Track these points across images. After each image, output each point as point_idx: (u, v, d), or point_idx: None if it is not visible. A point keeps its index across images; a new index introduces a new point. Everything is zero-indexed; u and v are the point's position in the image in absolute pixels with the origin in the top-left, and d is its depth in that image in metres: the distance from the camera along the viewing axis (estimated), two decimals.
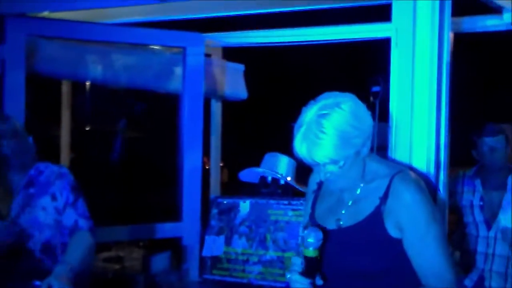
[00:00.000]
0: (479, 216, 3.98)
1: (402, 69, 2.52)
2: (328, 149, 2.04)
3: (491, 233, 3.93)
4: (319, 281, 2.15)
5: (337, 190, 2.25)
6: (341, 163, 2.08)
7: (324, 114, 2.05)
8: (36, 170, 2.76)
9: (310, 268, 2.13)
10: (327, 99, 2.10)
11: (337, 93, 2.13)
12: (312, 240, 2.11)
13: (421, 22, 2.46)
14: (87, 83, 5.25)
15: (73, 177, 2.79)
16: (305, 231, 2.14)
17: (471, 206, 4.01)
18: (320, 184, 2.36)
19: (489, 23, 3.78)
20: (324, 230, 2.19)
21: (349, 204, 2.22)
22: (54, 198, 2.71)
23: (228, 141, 5.24)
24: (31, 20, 3.55)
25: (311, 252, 2.12)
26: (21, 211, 2.69)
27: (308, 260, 2.13)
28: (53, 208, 2.70)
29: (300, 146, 2.07)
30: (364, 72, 3.77)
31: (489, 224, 3.95)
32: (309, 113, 2.08)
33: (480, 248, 3.96)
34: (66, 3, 3.38)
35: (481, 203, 3.97)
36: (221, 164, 5.29)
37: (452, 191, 4.05)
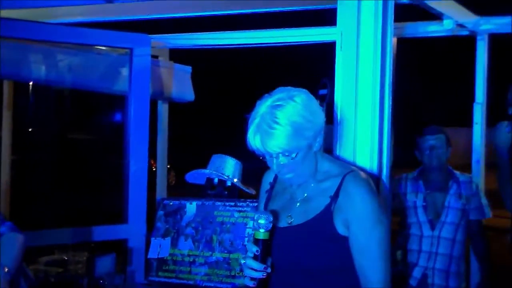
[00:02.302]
0: (422, 217, 4.07)
1: (347, 71, 2.58)
2: (281, 139, 2.10)
3: (435, 233, 4.03)
4: (269, 265, 2.20)
5: (289, 186, 2.30)
6: (293, 154, 2.14)
7: (278, 105, 2.12)
8: None
9: (262, 251, 2.17)
10: (281, 93, 2.17)
11: (290, 87, 2.20)
12: (263, 222, 2.16)
13: (365, 26, 2.52)
14: (30, 84, 5.16)
15: None
16: (256, 215, 2.19)
17: (415, 207, 4.10)
18: (272, 184, 2.42)
19: (430, 29, 3.89)
20: (275, 228, 2.25)
21: (300, 202, 2.27)
22: None
23: (175, 143, 5.22)
24: None
25: (262, 234, 2.17)
26: None
27: (259, 243, 2.17)
28: None
29: (254, 137, 2.13)
30: (312, 74, 3.83)
31: (432, 224, 4.05)
32: (264, 105, 2.15)
33: (424, 247, 4.06)
34: (9, 1, 3.30)
35: (424, 203, 4.07)
36: (168, 166, 5.28)
37: (396, 193, 4.14)
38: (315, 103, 2.21)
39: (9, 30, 3.59)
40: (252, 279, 2.19)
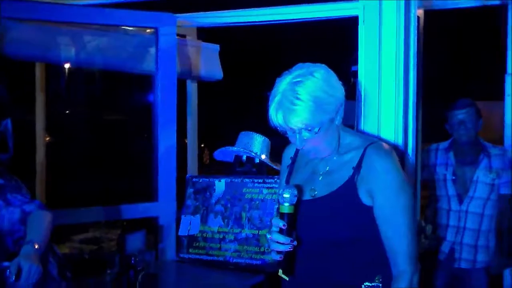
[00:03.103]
0: (451, 190, 4.03)
1: (369, 46, 2.56)
2: (303, 115, 2.12)
3: (463, 207, 3.99)
4: (295, 239, 2.22)
5: (311, 159, 2.32)
6: (316, 129, 2.16)
7: (298, 81, 2.14)
8: None
9: (288, 225, 2.19)
10: (300, 69, 2.18)
11: (309, 63, 2.21)
12: (287, 195, 2.19)
13: None
14: (63, 66, 5.22)
15: None
16: (280, 189, 2.22)
17: (444, 179, 4.06)
18: (294, 159, 2.44)
19: None
20: (299, 201, 2.27)
21: (323, 175, 2.29)
22: None
23: (208, 122, 5.24)
24: None
25: (287, 207, 2.20)
26: None
27: (285, 217, 2.20)
28: None
29: (276, 114, 2.15)
30: (339, 50, 3.79)
31: (460, 198, 4.01)
32: (284, 82, 2.16)
33: (452, 221, 4.02)
34: None
35: (454, 177, 4.03)
36: (202, 145, 5.31)
37: (426, 164, 4.11)
38: (334, 77, 2.21)
39: (38, 13, 3.64)
40: (278, 252, 2.21)
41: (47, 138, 5.63)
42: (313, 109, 2.12)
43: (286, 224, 2.19)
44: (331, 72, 2.22)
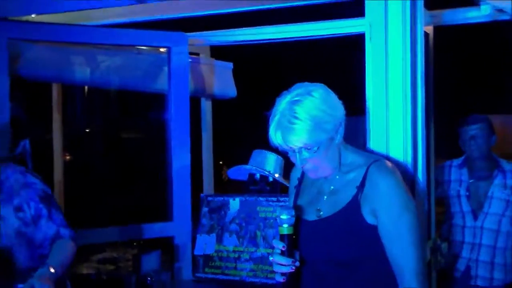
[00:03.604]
0: (465, 206, 3.99)
1: (376, 62, 2.55)
2: (301, 134, 2.14)
3: (478, 223, 3.94)
4: (298, 259, 2.23)
5: (316, 179, 2.33)
6: (315, 148, 2.17)
7: (296, 100, 2.16)
8: (4, 174, 2.72)
9: (288, 246, 2.20)
10: (299, 88, 2.21)
11: (308, 83, 2.24)
12: (285, 217, 2.19)
13: (393, 16, 2.53)
14: (78, 86, 5.27)
15: (43, 186, 2.75)
16: (278, 210, 2.23)
17: (458, 196, 4.03)
18: (300, 180, 2.46)
19: (468, 15, 3.78)
20: (305, 221, 2.29)
21: (328, 195, 2.30)
22: (19, 209, 2.68)
23: (225, 140, 5.24)
24: (13, 24, 3.53)
25: (286, 229, 2.20)
26: None
27: (285, 238, 2.20)
28: (16, 219, 2.68)
29: (275, 134, 2.18)
30: (350, 66, 3.79)
31: (475, 214, 3.96)
32: (283, 101, 2.19)
33: (467, 238, 3.98)
34: (48, 6, 3.38)
35: (468, 193, 3.99)
36: (220, 162, 5.32)
37: (439, 181, 4.07)
38: (333, 96, 2.23)
39: (50, 34, 3.68)
40: (282, 274, 2.22)
41: (67, 157, 5.68)
42: (311, 128, 2.14)
43: (286, 245, 2.20)
44: (330, 91, 2.24)
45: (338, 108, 2.22)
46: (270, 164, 3.83)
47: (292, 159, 2.25)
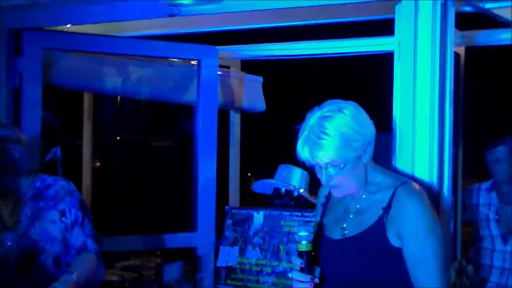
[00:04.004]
0: (495, 230, 3.95)
1: (404, 81, 2.56)
2: (329, 150, 2.13)
3: (508, 248, 3.89)
4: (318, 274, 2.21)
5: (342, 198, 2.31)
6: (342, 165, 2.16)
7: (327, 116, 2.15)
8: (43, 183, 2.75)
9: (307, 263, 2.18)
10: (331, 105, 2.20)
11: (340, 100, 2.23)
12: (303, 234, 2.19)
13: (423, 35, 2.51)
14: (109, 96, 5.33)
15: (80, 194, 2.81)
16: (296, 227, 2.22)
17: (487, 219, 3.99)
18: (328, 197, 2.44)
19: (501, 37, 3.77)
20: (329, 239, 2.28)
21: (354, 214, 2.28)
22: (63, 214, 2.71)
23: (253, 152, 5.26)
24: (47, 34, 3.61)
25: (304, 246, 2.19)
26: (31, 223, 2.68)
27: (303, 255, 2.19)
28: (61, 223, 2.71)
29: (303, 148, 2.17)
30: (378, 84, 3.79)
31: (505, 238, 3.91)
32: (313, 117, 2.18)
33: (496, 262, 3.93)
34: (82, 17, 3.43)
35: (497, 217, 3.95)
36: (249, 174, 5.33)
37: (468, 204, 4.03)
38: (364, 115, 2.22)
39: (83, 44, 3.75)
40: None
41: (96, 164, 5.74)
42: (339, 145, 2.13)
43: (304, 262, 2.19)
44: (361, 109, 2.23)
45: (368, 127, 2.21)
46: (295, 179, 3.83)
47: (318, 175, 2.24)
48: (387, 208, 2.17)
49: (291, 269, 3.48)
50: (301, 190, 3.81)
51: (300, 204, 3.79)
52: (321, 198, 2.48)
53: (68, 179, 2.87)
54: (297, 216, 3.59)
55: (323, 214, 2.43)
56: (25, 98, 3.48)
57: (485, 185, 4.07)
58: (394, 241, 2.15)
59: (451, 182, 2.62)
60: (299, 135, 2.19)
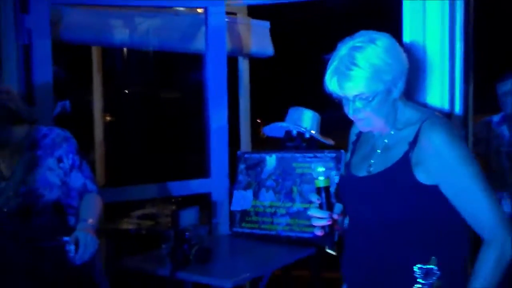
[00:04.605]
0: (506, 162, 3.97)
1: (414, 17, 2.53)
2: (357, 81, 2.04)
3: None
4: (338, 210, 2.17)
5: (371, 135, 2.25)
6: (370, 98, 2.07)
7: (357, 47, 2.05)
8: (39, 133, 2.80)
9: (325, 199, 2.14)
10: (363, 36, 2.10)
11: (373, 31, 2.13)
12: (321, 169, 2.13)
13: None
14: (117, 48, 5.32)
15: (76, 141, 2.86)
16: (313, 164, 2.18)
17: (498, 152, 4.01)
18: (359, 135, 2.37)
19: None
20: (355, 177, 2.22)
21: (381, 150, 2.20)
22: (60, 160, 2.77)
23: (263, 98, 5.25)
24: None
25: (322, 181, 2.14)
26: (29, 172, 2.73)
27: (321, 191, 2.14)
28: (60, 169, 2.77)
29: (331, 79, 2.08)
30: (388, 20, 3.76)
31: None
32: (344, 47, 2.08)
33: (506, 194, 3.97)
34: None
35: (508, 149, 3.97)
36: (258, 121, 5.34)
37: (479, 137, 4.06)
38: (397, 47, 2.11)
39: None
40: (321, 227, 2.14)
41: (108, 118, 5.78)
42: (369, 76, 2.03)
43: (321, 198, 2.14)
44: (395, 41, 2.12)
45: (400, 61, 2.10)
46: (306, 121, 3.86)
47: (345, 108, 2.13)
48: (413, 144, 2.08)
49: (305, 209, 3.57)
50: (313, 132, 3.84)
51: (312, 145, 3.82)
52: (352, 136, 2.41)
53: (80, 132, 2.93)
54: (310, 157, 3.63)
55: (352, 152, 2.36)
56: (35, 55, 3.47)
57: (496, 118, 4.08)
58: (421, 178, 2.05)
59: (462, 114, 2.62)
60: (327, 65, 2.09)
